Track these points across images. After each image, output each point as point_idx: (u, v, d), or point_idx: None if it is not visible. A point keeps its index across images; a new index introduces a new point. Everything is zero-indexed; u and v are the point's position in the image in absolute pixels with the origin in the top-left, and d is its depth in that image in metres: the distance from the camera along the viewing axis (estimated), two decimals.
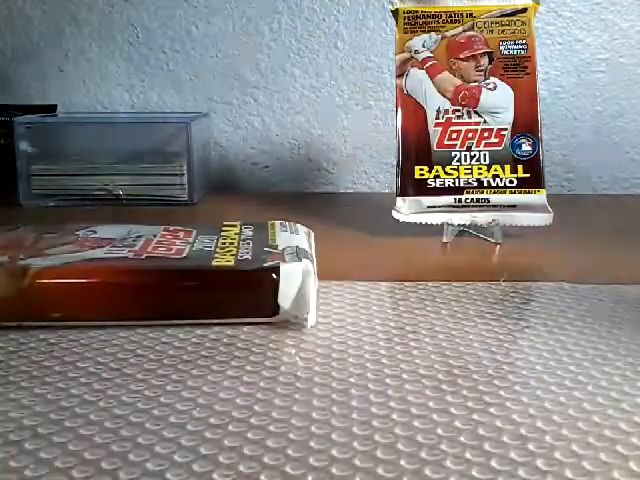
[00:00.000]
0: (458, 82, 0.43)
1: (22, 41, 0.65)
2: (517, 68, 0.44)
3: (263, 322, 0.27)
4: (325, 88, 0.64)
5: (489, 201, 0.42)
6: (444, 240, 0.42)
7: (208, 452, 0.18)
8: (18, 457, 0.18)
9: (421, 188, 0.42)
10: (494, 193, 0.42)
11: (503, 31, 0.44)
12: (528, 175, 0.42)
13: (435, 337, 0.26)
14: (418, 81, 0.43)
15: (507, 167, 0.42)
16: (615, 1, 0.63)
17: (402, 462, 0.18)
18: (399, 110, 0.43)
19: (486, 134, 0.43)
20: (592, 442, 0.19)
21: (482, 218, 0.42)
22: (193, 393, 0.22)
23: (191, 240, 0.31)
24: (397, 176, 0.42)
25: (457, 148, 0.42)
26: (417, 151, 0.42)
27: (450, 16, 0.44)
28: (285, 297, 0.27)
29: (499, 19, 0.44)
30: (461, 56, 0.44)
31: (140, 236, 0.31)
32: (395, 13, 0.45)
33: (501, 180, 0.42)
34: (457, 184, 0.42)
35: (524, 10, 0.44)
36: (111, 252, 0.29)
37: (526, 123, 0.43)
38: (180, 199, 0.55)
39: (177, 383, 0.22)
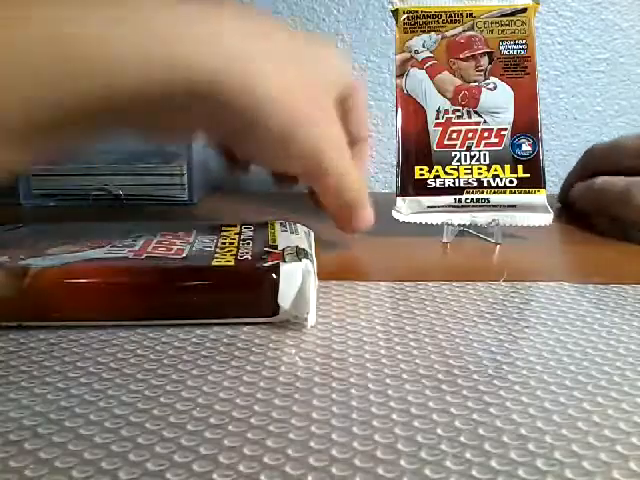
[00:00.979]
0: (458, 82, 0.43)
1: None
2: (517, 68, 0.44)
3: (263, 322, 0.27)
4: None
5: (489, 201, 0.42)
6: (444, 240, 0.42)
7: (208, 452, 0.18)
8: (18, 457, 0.18)
9: (421, 188, 0.42)
10: (494, 193, 0.42)
11: (503, 31, 0.44)
12: (528, 175, 0.42)
13: (435, 337, 0.26)
14: (418, 81, 0.43)
15: (507, 167, 0.42)
16: (615, 1, 0.63)
17: (402, 462, 0.18)
18: (399, 110, 0.43)
19: (486, 134, 0.43)
20: (592, 442, 0.19)
21: (482, 218, 0.42)
22: (193, 393, 0.22)
23: (191, 240, 0.31)
24: (397, 176, 0.42)
25: (457, 148, 0.42)
26: (417, 151, 0.42)
27: (450, 16, 0.44)
28: (285, 297, 0.27)
29: (499, 19, 0.44)
30: (461, 56, 0.44)
31: (140, 236, 0.31)
32: (395, 13, 0.45)
33: (501, 180, 0.42)
34: (457, 184, 0.42)
35: (524, 10, 0.44)
36: (111, 252, 0.29)
37: (526, 123, 0.43)
38: (180, 199, 0.55)
39: (177, 383, 0.22)
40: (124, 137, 0.28)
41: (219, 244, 0.31)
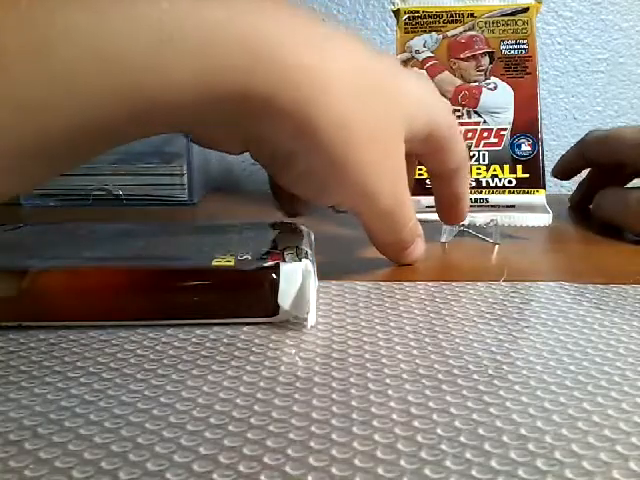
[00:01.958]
0: (458, 82, 0.43)
1: None
2: (518, 68, 0.44)
3: (263, 322, 0.27)
4: None
5: (488, 201, 0.42)
6: (442, 240, 0.42)
7: (208, 452, 0.18)
8: (18, 457, 0.18)
9: (420, 188, 0.42)
10: (493, 193, 0.42)
11: (504, 31, 0.44)
12: (527, 175, 0.42)
13: (435, 337, 0.26)
14: None
15: (506, 167, 0.42)
16: (615, 1, 0.63)
17: (402, 462, 0.18)
18: None
19: (485, 134, 0.43)
20: (592, 442, 0.19)
21: (480, 218, 0.42)
22: (193, 393, 0.22)
23: (191, 240, 0.31)
24: None
25: None
26: None
27: (451, 16, 0.44)
28: (285, 297, 0.27)
29: (500, 19, 0.44)
30: (462, 56, 0.44)
31: (140, 236, 0.31)
32: (396, 13, 0.45)
33: (500, 180, 0.42)
34: None
35: (525, 10, 0.44)
36: (111, 252, 0.29)
37: (526, 123, 0.43)
38: (180, 199, 0.55)
39: (177, 383, 0.22)
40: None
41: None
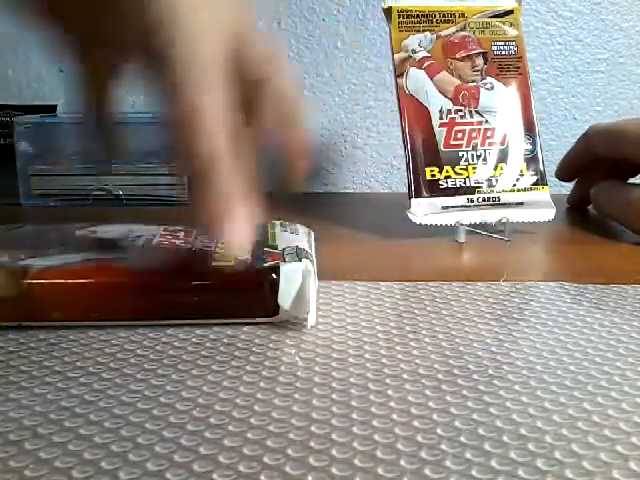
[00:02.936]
0: (457, 82, 0.43)
1: None
2: (510, 68, 0.44)
3: (263, 322, 0.27)
4: (325, 88, 0.64)
5: (499, 199, 0.42)
6: (460, 240, 0.41)
7: (208, 452, 0.18)
8: (18, 457, 0.18)
9: (434, 189, 0.42)
10: (503, 191, 0.42)
11: (493, 32, 0.45)
12: (531, 172, 0.43)
13: (435, 337, 0.26)
14: (419, 81, 0.43)
15: (512, 165, 0.43)
16: (615, 1, 0.63)
17: (402, 462, 0.18)
18: (404, 110, 0.43)
19: (489, 133, 0.43)
20: (592, 442, 0.19)
21: (492, 216, 0.42)
22: (193, 393, 0.22)
23: (191, 240, 0.31)
24: (408, 177, 0.42)
25: (463, 148, 0.42)
26: (425, 152, 0.42)
27: (443, 16, 0.44)
28: (285, 297, 0.27)
29: (489, 20, 0.45)
30: (457, 56, 0.44)
31: (140, 236, 0.31)
32: (388, 11, 0.44)
33: (508, 178, 0.43)
34: (468, 184, 0.42)
35: (511, 12, 0.45)
36: (110, 252, 0.29)
37: (524, 122, 0.44)
38: (180, 199, 0.55)
39: (177, 383, 0.22)
40: None
41: (219, 244, 0.31)
